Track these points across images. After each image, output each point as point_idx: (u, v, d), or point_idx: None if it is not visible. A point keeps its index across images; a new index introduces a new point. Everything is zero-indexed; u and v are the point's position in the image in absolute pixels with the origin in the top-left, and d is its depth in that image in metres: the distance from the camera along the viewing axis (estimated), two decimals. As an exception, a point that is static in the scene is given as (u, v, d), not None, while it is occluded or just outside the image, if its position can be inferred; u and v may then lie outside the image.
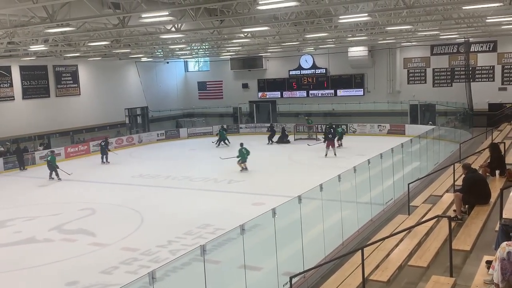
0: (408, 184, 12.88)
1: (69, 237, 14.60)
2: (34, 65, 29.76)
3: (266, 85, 38.74)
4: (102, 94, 34.37)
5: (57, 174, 22.93)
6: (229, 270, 8.89)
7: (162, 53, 31.27)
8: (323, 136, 27.88)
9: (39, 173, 25.06)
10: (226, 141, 31.46)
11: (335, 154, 25.40)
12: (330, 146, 25.60)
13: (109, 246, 13.60)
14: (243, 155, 23.12)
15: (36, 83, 30.47)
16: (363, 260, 7.38)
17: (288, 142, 31.63)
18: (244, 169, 22.92)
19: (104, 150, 27.40)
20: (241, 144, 23.41)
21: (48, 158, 23.50)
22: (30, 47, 20.85)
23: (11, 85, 29.01)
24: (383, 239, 8.76)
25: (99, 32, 18.39)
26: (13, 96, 29.15)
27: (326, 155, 25.57)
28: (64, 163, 27.56)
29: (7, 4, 12.60)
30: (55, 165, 22.98)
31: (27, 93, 29.92)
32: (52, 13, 13.12)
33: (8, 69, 28.76)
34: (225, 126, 34.11)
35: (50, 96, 31.28)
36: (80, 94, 33.20)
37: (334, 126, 28.96)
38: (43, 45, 20.53)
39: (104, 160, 27.31)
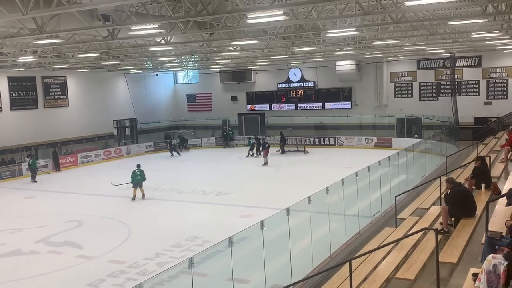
0: (395, 196, 12.93)
1: (56, 250, 14.43)
2: (23, 76, 29.55)
3: (255, 97, 38.85)
4: (90, 105, 34.20)
5: (34, 177, 24.23)
6: (217, 283, 8.84)
7: (151, 65, 31.27)
8: (258, 147, 29.96)
9: (25, 184, 24.80)
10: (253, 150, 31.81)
11: (266, 163, 25.98)
12: (267, 155, 26.42)
13: (96, 259, 13.46)
14: (135, 177, 19.91)
15: (25, 94, 30.24)
16: (350, 272, 7.37)
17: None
18: (135, 197, 19.59)
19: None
20: (138, 166, 20.34)
21: (30, 162, 24.55)
22: (19, 58, 20.72)
23: (-1, 96, 28.77)
24: (371, 251, 8.77)
25: (89, 44, 18.34)
26: (1, 107, 28.88)
27: (266, 163, 26.27)
28: (50, 175, 27.34)
29: (-4, 15, 12.54)
30: (36, 168, 24.20)
31: (15, 104, 29.68)
32: (42, 25, 13.08)
33: (-4, 80, 28.55)
34: (258, 136, 33.57)
35: (38, 108, 31.05)
36: (68, 106, 33.01)
37: (257, 137, 31.92)
38: (32, 56, 20.44)
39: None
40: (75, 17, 13.31)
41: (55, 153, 29.52)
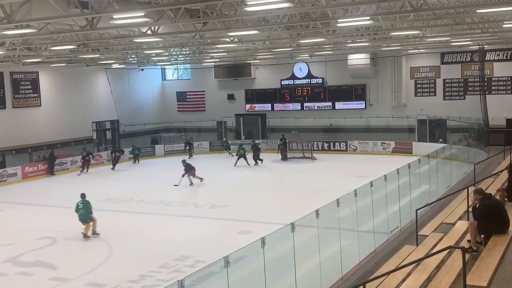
0: (416, 210, 12.92)
1: (26, 271, 14.41)
2: (-12, 71, 29.64)
3: (255, 96, 38.93)
4: (66, 105, 34.26)
5: None
6: (210, 310, 8.81)
7: (136, 59, 31.36)
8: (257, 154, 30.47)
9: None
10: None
11: (191, 183, 25.15)
12: (192, 176, 25.21)
13: (72, 281, 13.44)
14: (78, 212, 17.68)
15: (-10, 92, 30.32)
16: (365, 297, 7.36)
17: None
18: (86, 235, 17.30)
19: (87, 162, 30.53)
20: (82, 196, 18.06)
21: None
22: (-16, 51, 20.81)
23: (-40, 94, 28.87)
24: (388, 273, 8.76)
25: (64, 35, 18.41)
26: (-37, 107, 28.97)
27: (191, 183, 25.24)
28: (19, 185, 27.35)
29: (-42, 2, 12.60)
30: None
31: (-21, 104, 29.74)
32: (10, 13, 13.14)
33: (-43, 76, 28.65)
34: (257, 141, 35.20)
35: (6, 108, 31.07)
36: (40, 105, 33.06)
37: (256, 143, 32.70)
38: (-1, 49, 20.51)
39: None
40: (49, 4, 13.36)
41: (52, 155, 30.73)
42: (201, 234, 17.26)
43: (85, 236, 17.18)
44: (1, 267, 14.69)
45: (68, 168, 31.16)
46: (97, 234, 17.37)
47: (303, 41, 22.91)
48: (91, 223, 17.39)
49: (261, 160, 31.00)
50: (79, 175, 29.81)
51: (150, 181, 27.43)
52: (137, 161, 33.91)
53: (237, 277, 8.39)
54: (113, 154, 32.52)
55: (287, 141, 32.94)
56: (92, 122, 36.40)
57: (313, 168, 29.71)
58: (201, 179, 25.25)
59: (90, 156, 31.09)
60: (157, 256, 14.81)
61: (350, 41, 24.38)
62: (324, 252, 11.10)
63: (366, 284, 7.61)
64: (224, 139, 37.16)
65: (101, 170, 31.45)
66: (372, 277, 8.99)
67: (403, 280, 9.06)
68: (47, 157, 30.93)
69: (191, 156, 34.44)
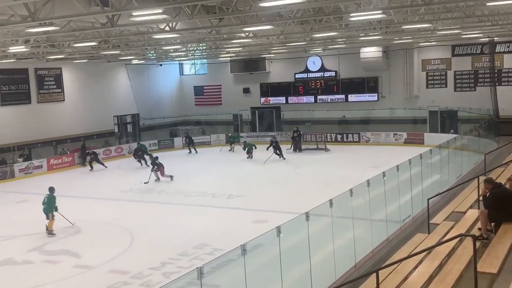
0: (428, 199, 12.84)
1: (51, 259, 14.61)
2: (14, 68, 29.89)
3: (270, 89, 38.84)
4: (88, 100, 34.51)
5: None
6: (228, 296, 8.87)
7: (155, 54, 31.41)
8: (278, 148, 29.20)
9: (18, 187, 25.11)
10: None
11: (158, 179, 24.91)
12: (160, 173, 24.95)
13: (96, 269, 13.59)
14: (43, 204, 17.31)
15: (16, 88, 30.60)
16: (378, 284, 7.35)
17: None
18: (51, 233, 16.77)
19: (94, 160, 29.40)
20: (50, 190, 17.71)
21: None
22: (10, 48, 20.97)
23: (-12, 90, 29.18)
24: (400, 260, 8.73)
25: (86, 32, 18.50)
26: (-10, 103, 29.30)
27: (157, 179, 24.98)
28: (44, 177, 27.66)
29: (-16, 2, 12.71)
30: None
31: (6, 99, 30.04)
32: (34, 11, 13.22)
33: (-15, 73, 28.96)
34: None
35: (31, 103, 31.41)
36: (64, 100, 33.33)
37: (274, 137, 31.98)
38: (23, 46, 20.66)
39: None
40: (71, 2, 13.43)
41: (83, 147, 31.29)
42: (219, 223, 17.35)
43: (47, 229, 16.68)
44: (28, 256, 14.91)
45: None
46: (52, 234, 16.67)
47: (317, 35, 22.77)
48: (50, 220, 16.81)
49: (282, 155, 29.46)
50: (91, 170, 29.27)
51: (169, 173, 27.52)
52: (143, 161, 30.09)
53: (254, 264, 8.42)
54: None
55: (301, 133, 32.86)
56: (114, 116, 36.64)
57: (326, 159, 29.64)
58: (171, 176, 24.91)
59: (94, 154, 29.93)
60: (176, 244, 14.92)
61: (363, 34, 24.18)
62: (338, 241, 11.08)
63: (379, 272, 7.59)
64: (231, 134, 36.45)
65: (123, 162, 31.64)
66: (384, 264, 8.96)
67: (415, 267, 9.02)
68: (79, 148, 31.58)
69: (191, 151, 34.05)
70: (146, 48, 26.22)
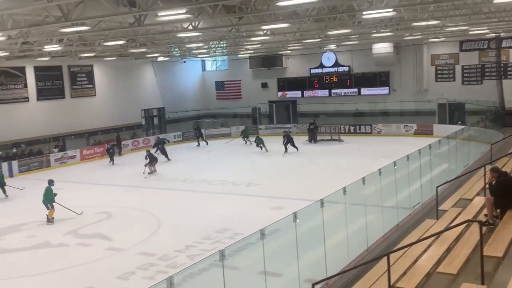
0: (437, 187, 12.72)
1: (85, 242, 14.79)
2: (49, 65, 30.21)
3: (286, 84, 38.71)
4: (118, 94, 34.77)
5: (4, 191, 21.04)
6: (249, 277, 8.91)
7: (179, 52, 31.50)
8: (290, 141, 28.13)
9: (53, 176, 25.40)
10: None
11: (151, 172, 24.45)
12: (153, 166, 24.62)
13: (126, 251, 13.75)
14: (43, 196, 17.35)
15: (51, 84, 30.95)
16: (389, 266, 7.32)
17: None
18: (50, 220, 16.95)
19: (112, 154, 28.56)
20: (49, 182, 17.68)
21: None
22: (45, 47, 21.18)
23: (25, 86, 29.52)
24: (410, 244, 8.68)
25: (115, 31, 18.61)
26: (28, 97, 29.66)
27: (151, 172, 24.51)
28: (79, 166, 27.99)
29: (22, 4, 12.86)
30: (3, 182, 21.04)
31: (42, 94, 30.41)
32: (67, 12, 13.33)
33: (22, 70, 29.28)
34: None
35: (65, 97, 31.75)
36: (95, 95, 33.62)
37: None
38: (57, 45, 20.85)
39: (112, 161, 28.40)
40: (101, 3, 13.52)
41: (118, 138, 31.52)
42: (239, 209, 17.40)
43: (48, 219, 16.85)
44: (64, 239, 15.13)
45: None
46: (51, 221, 16.85)
47: (331, 32, 22.62)
48: (50, 210, 16.93)
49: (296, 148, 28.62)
50: (110, 162, 28.42)
51: (192, 162, 27.69)
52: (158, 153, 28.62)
53: (272, 248, 8.44)
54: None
55: (317, 125, 32.75)
56: (141, 110, 36.84)
57: (340, 150, 29.51)
58: (155, 171, 24.67)
59: (114, 148, 29.58)
60: (200, 229, 15.00)
61: (375, 31, 23.96)
62: (351, 226, 11.06)
63: (390, 255, 7.56)
64: (244, 127, 35.58)
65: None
66: (395, 248, 8.92)
67: (424, 251, 8.96)
68: (113, 138, 31.76)
69: (199, 144, 33.52)
70: (171, 46, 26.30)
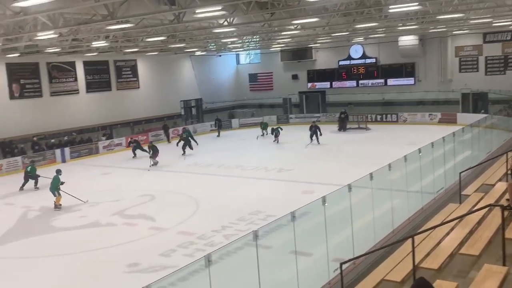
0: (460, 173, 12.45)
1: (130, 222, 15.08)
2: (97, 60, 30.76)
3: (316, 75, 38.36)
4: (159, 87, 35.16)
5: (36, 183, 20.23)
6: (280, 255, 8.94)
7: (215, 46, 31.56)
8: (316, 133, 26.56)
9: (103, 161, 26.00)
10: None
11: (154, 164, 23.47)
12: (154, 158, 23.56)
13: (167, 230, 13.94)
14: (55, 185, 17.06)
15: (99, 77, 31.53)
16: (413, 247, 7.23)
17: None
18: (57, 207, 16.87)
19: (137, 148, 26.39)
20: (56, 171, 17.60)
21: (28, 169, 20.23)
22: (93, 43, 21.54)
23: (75, 80, 30.18)
24: (434, 227, 8.55)
25: (156, 28, 18.77)
26: (78, 90, 30.32)
27: (155, 163, 23.44)
28: (123, 153, 28.50)
29: (71, 3, 13.10)
30: (36, 175, 20.07)
31: (91, 87, 31.02)
32: (113, 11, 13.51)
33: (73, 65, 29.92)
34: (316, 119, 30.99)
35: (111, 90, 32.31)
36: (139, 87, 34.10)
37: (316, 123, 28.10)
38: (104, 41, 21.17)
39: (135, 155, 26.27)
40: (143, 2, 13.66)
41: (166, 126, 31.77)
42: (271, 193, 17.43)
43: (55, 206, 16.88)
44: (111, 219, 15.46)
45: (162, 139, 31.92)
46: (59, 208, 16.84)
47: (358, 26, 22.26)
48: (56, 197, 16.96)
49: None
50: (133, 157, 26.39)
51: (227, 149, 27.81)
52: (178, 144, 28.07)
53: (302, 229, 8.43)
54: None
55: (347, 114, 32.38)
56: (180, 101, 37.19)
57: (367, 138, 29.15)
58: (156, 163, 23.59)
59: (137, 142, 27.12)
60: (235, 211, 15.10)
61: (401, 24, 23.46)
62: (377, 209, 10.94)
63: (415, 237, 7.46)
64: (262, 120, 33.93)
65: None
66: (420, 230, 8.80)
67: (448, 234, 8.81)
68: (160, 127, 32.29)
69: (219, 134, 33.09)
70: (207, 41, 26.37)
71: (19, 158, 25.07)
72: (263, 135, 31.04)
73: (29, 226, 15.52)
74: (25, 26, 16.40)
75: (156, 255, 11.98)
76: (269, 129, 30.37)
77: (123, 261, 11.73)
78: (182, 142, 27.06)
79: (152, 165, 23.55)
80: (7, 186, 20.80)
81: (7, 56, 24.78)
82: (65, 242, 13.71)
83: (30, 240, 14.11)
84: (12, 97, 27.13)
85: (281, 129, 29.31)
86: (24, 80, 27.68)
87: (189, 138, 27.43)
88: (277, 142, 28.35)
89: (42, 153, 26.24)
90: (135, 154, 26.29)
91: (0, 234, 14.58)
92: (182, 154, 26.08)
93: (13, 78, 27.12)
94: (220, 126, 34.07)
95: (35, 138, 27.12)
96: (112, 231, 14.37)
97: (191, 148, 26.79)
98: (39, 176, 20.02)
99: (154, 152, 23.76)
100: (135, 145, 26.58)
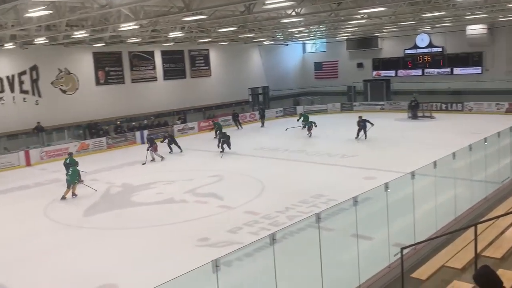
0: (528, 163, 11.72)
1: (201, 200, 15.45)
2: (173, 49, 31.61)
3: (381, 64, 37.20)
4: (229, 75, 35.60)
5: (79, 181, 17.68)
6: (342, 238, 8.84)
7: (282, 36, 31.42)
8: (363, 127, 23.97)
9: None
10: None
11: (153, 159, 21.83)
12: (154, 151, 21.76)
13: (235, 209, 14.18)
14: (67, 175, 16.56)
15: (175, 65, 32.42)
16: (476, 236, 6.92)
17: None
18: (75, 195, 16.37)
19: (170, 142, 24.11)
20: (72, 161, 17.37)
21: (67, 161, 18.12)
22: (170, 34, 22.10)
23: (154, 68, 31.22)
24: (498, 217, 8.14)
25: (228, 19, 18.94)
26: (156, 77, 31.37)
27: (152, 159, 21.71)
28: (196, 136, 29.19)
29: (152, -3, 13.47)
30: (75, 180, 16.75)
31: (167, 75, 31.98)
32: (188, 3, 13.78)
33: (151, 54, 30.95)
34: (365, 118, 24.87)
35: (186, 77, 33.14)
36: (211, 75, 34.71)
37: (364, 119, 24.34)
38: (180, 32, 21.67)
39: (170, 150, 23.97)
40: (215, -6, 13.79)
41: (236, 114, 31.35)
42: (333, 178, 17.25)
43: (63, 197, 16.22)
44: (184, 196, 15.96)
45: (231, 124, 32.14)
46: (65, 198, 16.21)
47: (425, 15, 21.28)
48: (68, 189, 16.29)
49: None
50: (170, 152, 24.01)
51: (292, 135, 27.70)
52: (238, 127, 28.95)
53: (363, 214, 8.29)
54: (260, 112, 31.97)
55: (418, 102, 31.17)
56: (248, 88, 37.47)
57: (432, 126, 28.00)
58: (162, 157, 22.09)
59: (171, 137, 24.70)
60: (297, 193, 15.07)
61: (469, 13, 22.16)
62: (440, 197, 10.53)
63: (478, 225, 7.13)
64: (301, 112, 31.58)
65: (255, 125, 32.38)
66: (483, 219, 8.39)
67: (512, 224, 8.36)
68: (231, 113, 32.05)
69: (263, 124, 31.46)
70: (275, 31, 26.28)
71: (104, 139, 26.50)
72: (303, 127, 27.41)
73: (111, 200, 16.36)
74: (109, 18, 17.10)
75: (224, 231, 12.24)
76: (299, 121, 27.68)
77: (195, 236, 12.07)
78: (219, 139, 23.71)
79: (151, 160, 21.74)
80: (93, 164, 21.98)
81: (93, 45, 26.06)
82: (143, 216, 14.31)
83: (113, 212, 14.89)
84: (97, 83, 28.55)
85: (316, 125, 26.40)
86: (109, 67, 29.01)
87: (172, 139, 24.19)
88: (310, 135, 26.38)
89: (124, 135, 27.53)
90: (171, 149, 23.91)
91: (87, 207, 15.50)
92: (220, 152, 22.80)
93: (98, 66, 28.51)
94: (263, 116, 32.20)
95: (118, 122, 28.44)
96: (185, 208, 14.80)
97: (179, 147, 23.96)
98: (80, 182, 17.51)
99: (151, 144, 21.83)
100: (170, 140, 24.10)
